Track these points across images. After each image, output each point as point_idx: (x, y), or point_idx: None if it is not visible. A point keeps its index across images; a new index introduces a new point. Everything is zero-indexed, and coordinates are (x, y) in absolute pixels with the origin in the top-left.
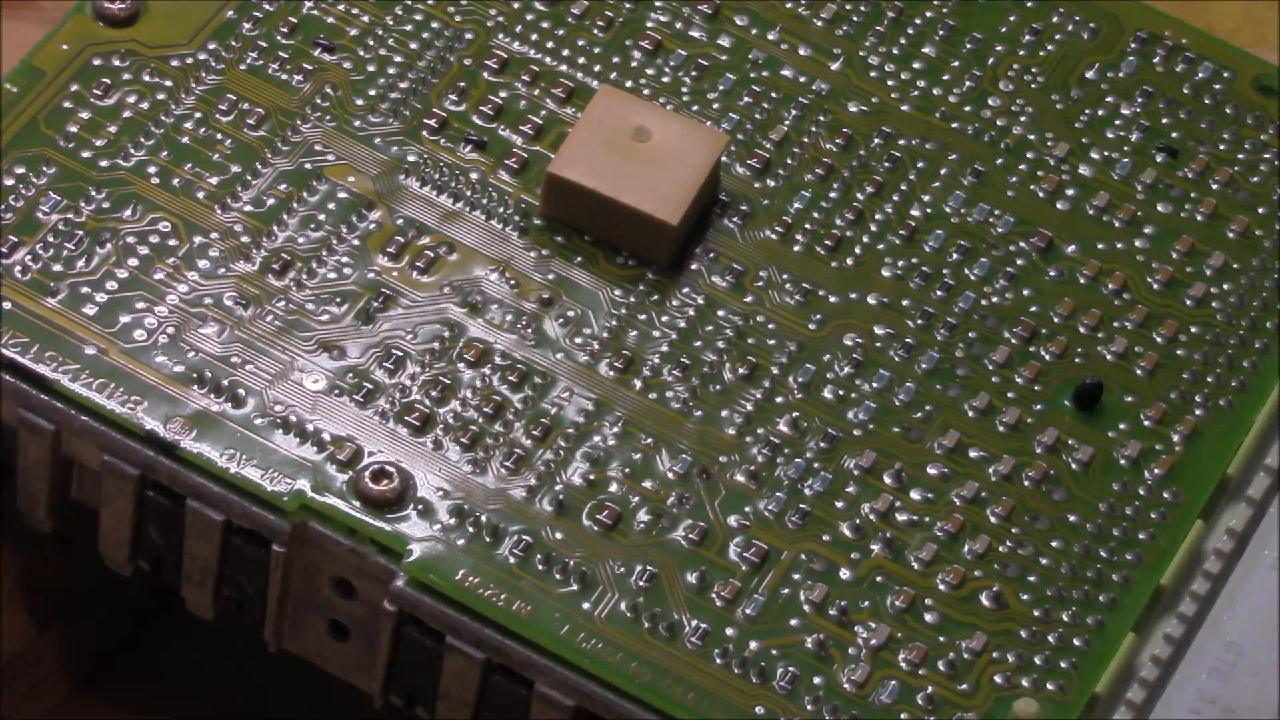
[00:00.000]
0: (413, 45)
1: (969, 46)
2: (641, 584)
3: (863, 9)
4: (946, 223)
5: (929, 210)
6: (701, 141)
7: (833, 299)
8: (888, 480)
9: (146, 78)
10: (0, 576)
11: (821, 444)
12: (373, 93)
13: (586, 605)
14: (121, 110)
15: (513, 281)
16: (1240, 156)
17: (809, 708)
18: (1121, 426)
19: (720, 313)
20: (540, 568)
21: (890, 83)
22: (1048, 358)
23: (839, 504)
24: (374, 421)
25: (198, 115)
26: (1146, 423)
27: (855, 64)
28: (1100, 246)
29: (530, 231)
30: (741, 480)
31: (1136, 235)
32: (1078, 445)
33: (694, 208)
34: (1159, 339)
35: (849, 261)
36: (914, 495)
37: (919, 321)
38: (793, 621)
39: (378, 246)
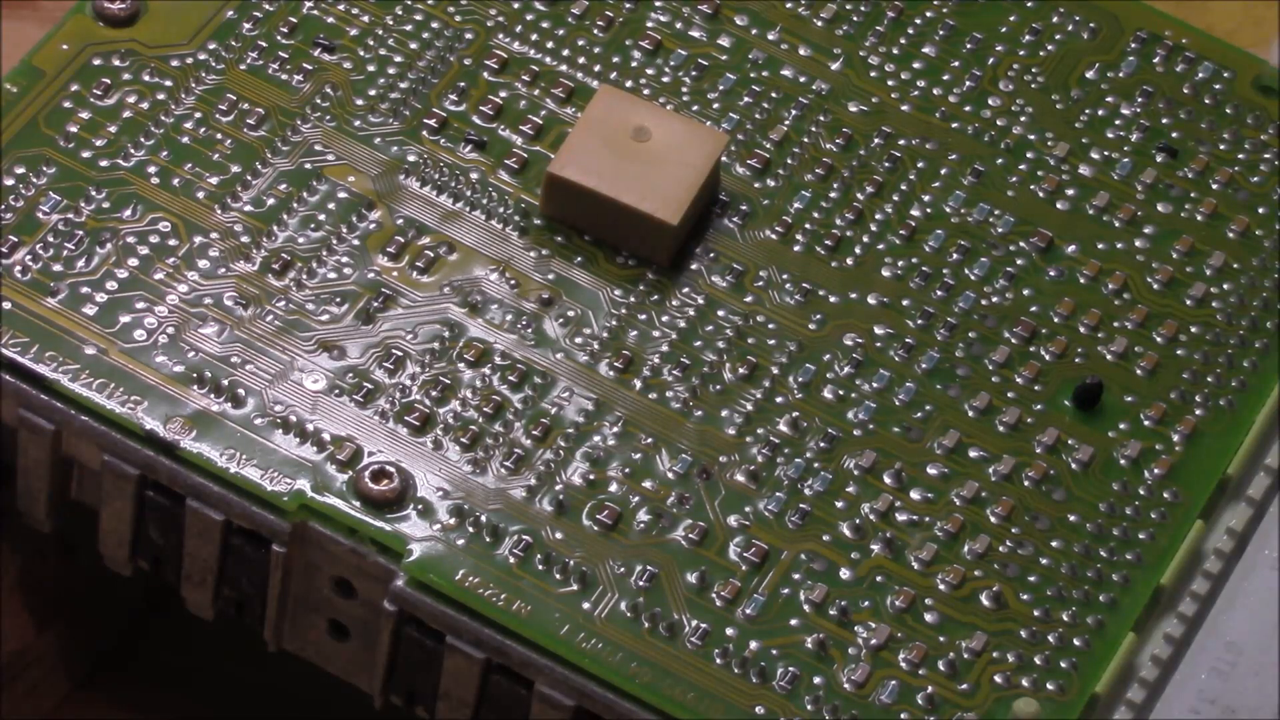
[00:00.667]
0: (413, 45)
1: (969, 46)
2: (641, 584)
3: (863, 9)
4: (946, 223)
5: (929, 210)
6: (701, 141)
7: (833, 299)
8: (888, 480)
9: (146, 78)
10: (0, 576)
11: (821, 444)
12: (373, 93)
13: (586, 605)
14: (121, 110)
15: (513, 281)
16: (1240, 156)
17: (809, 708)
18: (1121, 426)
19: (720, 313)
20: (540, 567)
21: (890, 83)
22: (1048, 358)
23: (839, 504)
24: (374, 421)
25: (198, 115)
26: (1146, 423)
27: (855, 64)
28: (1100, 246)
29: (530, 231)
30: (741, 480)
31: (1136, 235)
32: (1078, 445)
33: (694, 208)
34: (1159, 339)
35: (849, 261)
36: (914, 495)
37: (919, 321)
38: (793, 621)
39: (378, 246)
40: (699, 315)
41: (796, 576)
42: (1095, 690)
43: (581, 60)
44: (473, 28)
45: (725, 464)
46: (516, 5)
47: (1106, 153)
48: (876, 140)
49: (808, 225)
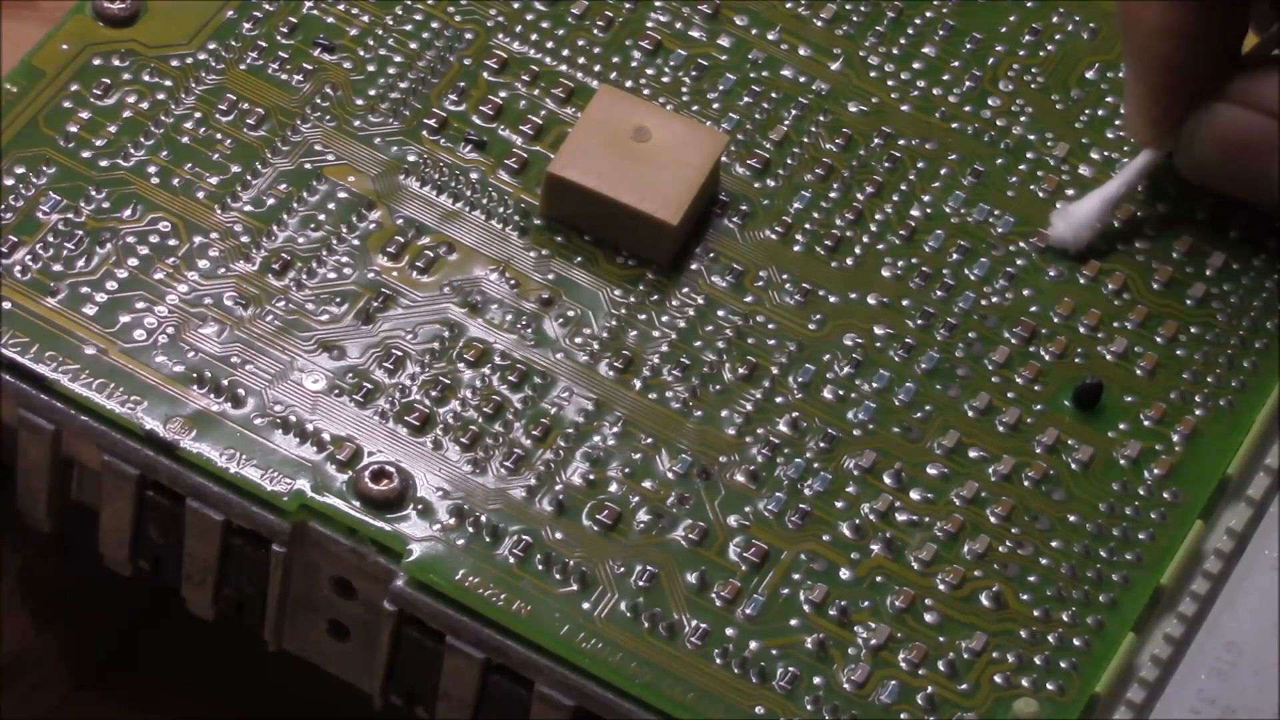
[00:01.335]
0: (413, 45)
1: (969, 46)
2: (641, 584)
3: (863, 9)
4: (946, 223)
5: (929, 210)
6: (701, 141)
7: (833, 299)
8: (888, 480)
9: (146, 78)
10: (0, 577)
11: (821, 444)
12: (373, 93)
13: (586, 605)
14: (121, 110)
15: (512, 281)
16: None
17: (809, 708)
18: (1121, 426)
19: (720, 313)
20: (540, 567)
21: (890, 83)
22: (1048, 358)
23: (839, 504)
24: (374, 421)
25: (198, 115)
26: (1146, 423)
27: (855, 64)
28: (1100, 246)
29: (530, 231)
30: (741, 480)
31: (1137, 235)
32: (1078, 445)
33: (694, 208)
34: (1159, 339)
35: (849, 261)
36: (914, 495)
37: (919, 321)
38: (792, 621)
39: (378, 246)
40: (699, 315)
41: (796, 576)
42: (1095, 690)
43: (581, 60)
44: (473, 28)
45: (725, 464)
46: (516, 5)
47: (1106, 153)
48: (876, 140)
49: (808, 225)
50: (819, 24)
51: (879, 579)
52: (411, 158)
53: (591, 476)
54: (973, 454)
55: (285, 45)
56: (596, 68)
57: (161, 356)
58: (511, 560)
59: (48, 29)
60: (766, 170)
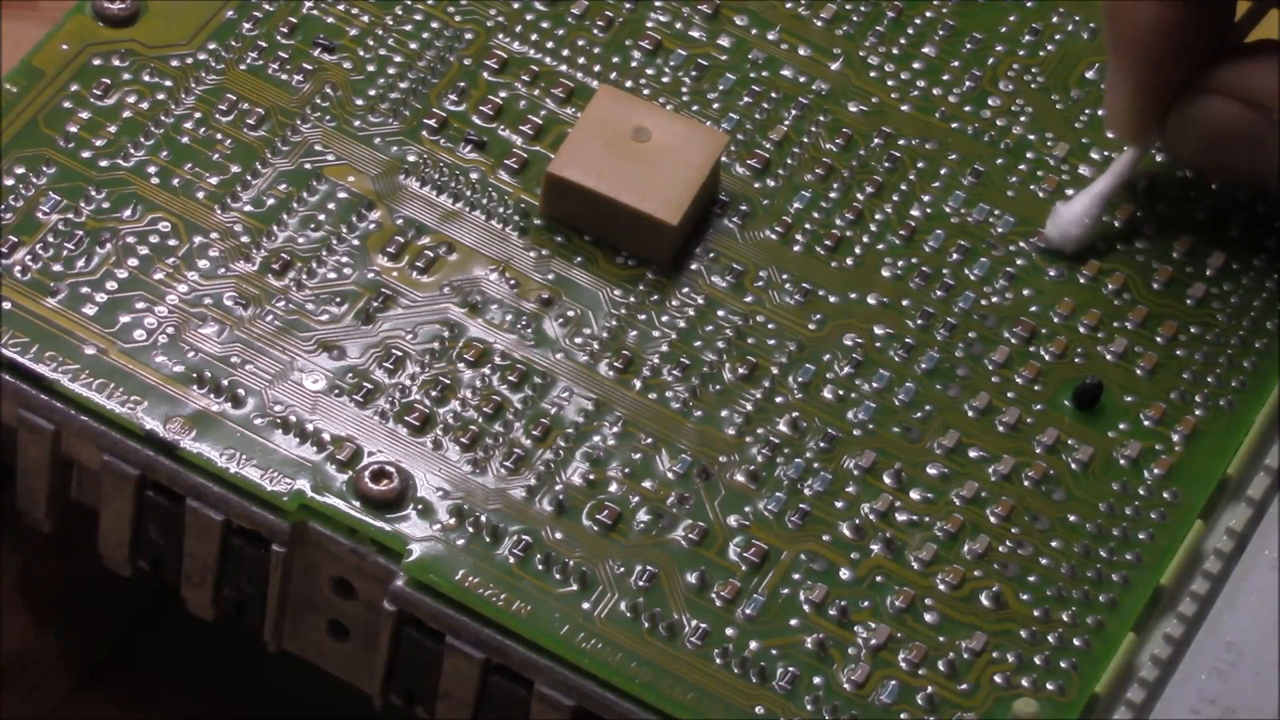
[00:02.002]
0: (413, 45)
1: (969, 46)
2: (641, 584)
3: (863, 9)
4: (946, 223)
5: (929, 210)
6: (701, 141)
7: (833, 299)
8: (887, 480)
9: (146, 78)
10: (0, 576)
11: (821, 444)
12: (372, 93)
13: (586, 605)
14: (121, 110)
15: (512, 281)
16: None
17: (809, 708)
18: (1121, 426)
19: (720, 313)
20: (540, 568)
21: (890, 83)
22: (1047, 358)
23: (839, 504)
24: (374, 421)
25: (197, 115)
26: (1146, 423)
27: (855, 64)
28: (1100, 246)
29: (530, 231)
30: (741, 480)
31: (1136, 235)
32: (1078, 445)
33: (694, 208)
34: (1159, 339)
35: (849, 261)
36: (914, 495)
37: (919, 321)
38: (792, 621)
39: (377, 246)
40: (699, 315)
41: (796, 576)
42: (1095, 690)
43: (581, 60)
44: (472, 28)
45: (725, 464)
46: (516, 5)
47: (1106, 153)
48: (876, 140)
49: (808, 225)
50: (819, 24)
51: (879, 579)
52: (411, 158)
53: (591, 476)
54: (973, 454)
55: (285, 45)
56: (596, 68)
57: (161, 356)
58: (511, 560)
59: (47, 29)
60: (766, 170)
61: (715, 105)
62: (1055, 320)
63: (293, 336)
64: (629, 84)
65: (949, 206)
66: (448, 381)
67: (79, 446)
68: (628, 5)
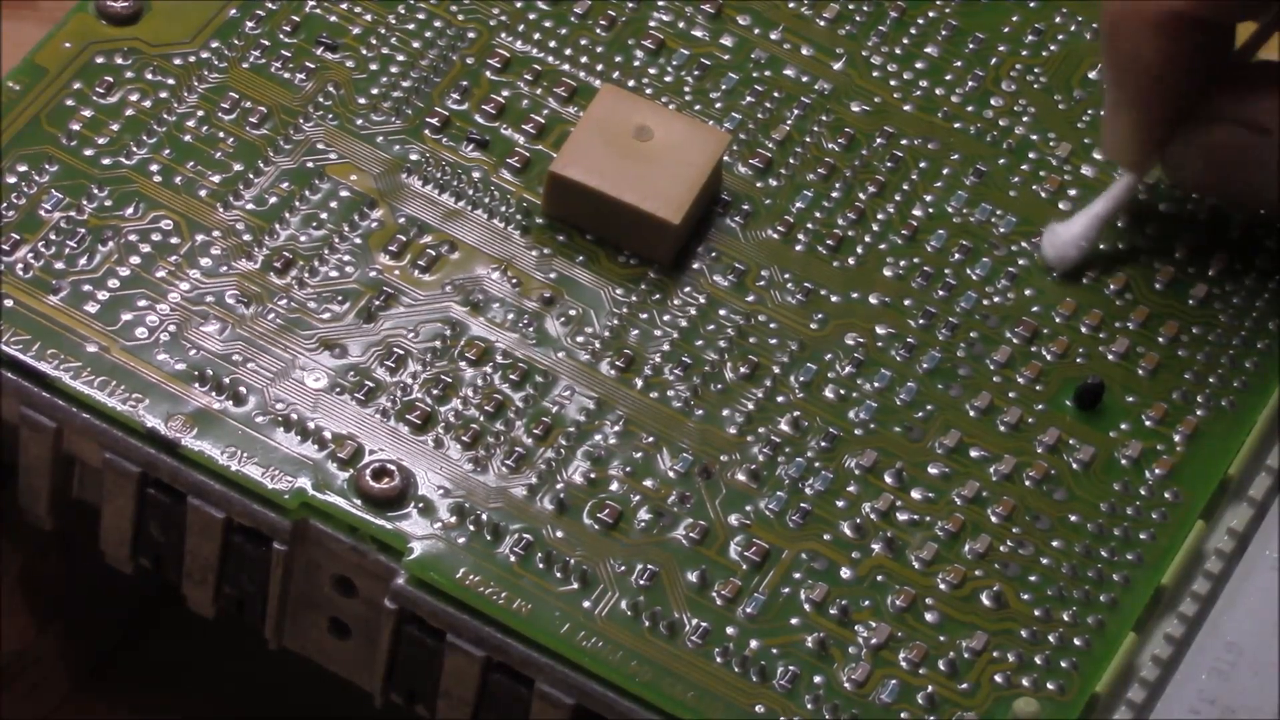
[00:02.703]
0: (415, 44)
1: (971, 46)
2: (642, 582)
3: (865, 9)
4: (948, 222)
5: (931, 210)
6: (703, 141)
7: (834, 298)
8: (889, 479)
9: (149, 76)
10: (0, 576)
11: (822, 443)
12: (375, 91)
13: (587, 604)
14: (124, 108)
15: (514, 280)
16: None
17: (809, 707)
18: (1123, 426)
19: (722, 312)
20: (541, 566)
21: (893, 82)
22: (1049, 358)
23: (840, 503)
24: (375, 420)
25: (200, 113)
26: (1148, 423)
27: (858, 64)
28: (1102, 247)
29: (532, 230)
30: (742, 479)
31: (1138, 235)
32: (1079, 445)
33: (696, 207)
34: (1160, 339)
35: (851, 261)
36: (915, 494)
37: (921, 321)
38: (793, 620)
39: (379, 245)
40: (700, 314)
41: (797, 576)
42: (1095, 690)
43: (584, 59)
44: (475, 27)
45: (726, 463)
46: (519, 4)
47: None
48: (879, 140)
49: (810, 225)
50: (822, 24)
51: (880, 578)
52: (414, 156)
53: (593, 475)
54: (974, 453)
55: (288, 44)
56: (599, 67)
57: (163, 354)
58: (512, 559)
59: (48, 29)
60: (769, 170)
61: (718, 105)
62: (1057, 320)
63: (294, 335)
64: (631, 83)
65: (951, 206)
66: (449, 380)
67: (80, 444)
68: (630, 4)
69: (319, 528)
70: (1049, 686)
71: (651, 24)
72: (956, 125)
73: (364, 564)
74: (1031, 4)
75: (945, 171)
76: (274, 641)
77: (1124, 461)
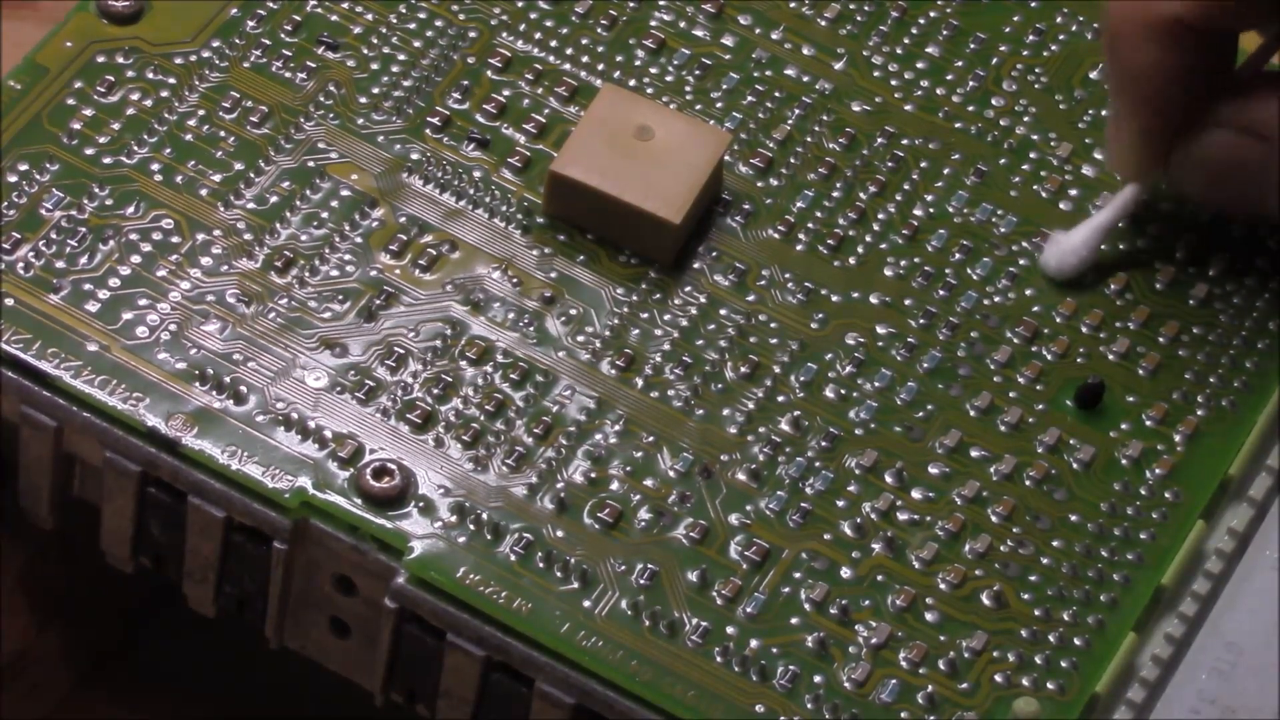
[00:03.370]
0: (416, 43)
1: (972, 46)
2: (642, 582)
3: (866, 9)
4: (949, 222)
5: (932, 210)
6: (704, 140)
7: (835, 298)
8: (889, 479)
9: (150, 75)
10: (1, 576)
11: (823, 443)
12: (376, 91)
13: (587, 603)
14: (125, 107)
15: (515, 280)
16: None
17: (809, 706)
18: (1123, 426)
19: (722, 311)
20: (541, 565)
21: (894, 82)
22: (1049, 357)
23: (840, 503)
24: (376, 419)
25: (201, 113)
26: (1148, 423)
27: (859, 63)
28: (1103, 247)
29: (533, 230)
30: (743, 479)
31: (1139, 235)
32: (1079, 445)
33: (696, 206)
34: (1161, 339)
35: (851, 261)
36: (915, 494)
37: (921, 321)
38: (793, 620)
39: (380, 244)
40: (701, 314)
41: (797, 575)
42: (1095, 690)
43: (585, 59)
44: (476, 26)
45: (726, 463)
46: (520, 4)
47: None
48: (879, 140)
49: (810, 224)
50: (823, 23)
51: (880, 578)
52: (415, 156)
53: (593, 474)
54: (974, 453)
55: (289, 43)
56: (600, 66)
57: (164, 353)
58: (513, 558)
59: (48, 29)
60: (769, 169)
61: (718, 104)
62: (1057, 320)
63: (295, 334)
64: (632, 83)
65: (952, 206)
66: (449, 379)
67: (81, 443)
68: (631, 4)
69: (319, 527)
70: (1049, 686)
71: (652, 24)
72: (957, 125)
73: (364, 563)
74: (1033, 4)
75: (946, 171)
76: (274, 641)
77: (1124, 461)
